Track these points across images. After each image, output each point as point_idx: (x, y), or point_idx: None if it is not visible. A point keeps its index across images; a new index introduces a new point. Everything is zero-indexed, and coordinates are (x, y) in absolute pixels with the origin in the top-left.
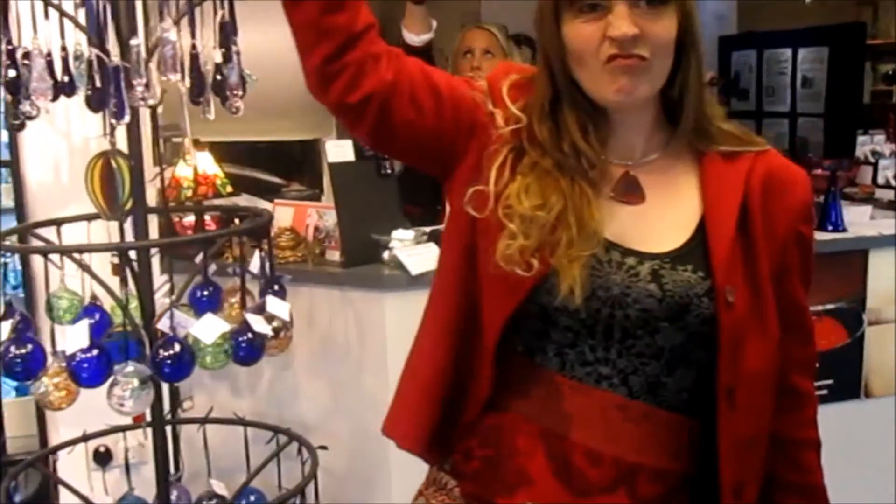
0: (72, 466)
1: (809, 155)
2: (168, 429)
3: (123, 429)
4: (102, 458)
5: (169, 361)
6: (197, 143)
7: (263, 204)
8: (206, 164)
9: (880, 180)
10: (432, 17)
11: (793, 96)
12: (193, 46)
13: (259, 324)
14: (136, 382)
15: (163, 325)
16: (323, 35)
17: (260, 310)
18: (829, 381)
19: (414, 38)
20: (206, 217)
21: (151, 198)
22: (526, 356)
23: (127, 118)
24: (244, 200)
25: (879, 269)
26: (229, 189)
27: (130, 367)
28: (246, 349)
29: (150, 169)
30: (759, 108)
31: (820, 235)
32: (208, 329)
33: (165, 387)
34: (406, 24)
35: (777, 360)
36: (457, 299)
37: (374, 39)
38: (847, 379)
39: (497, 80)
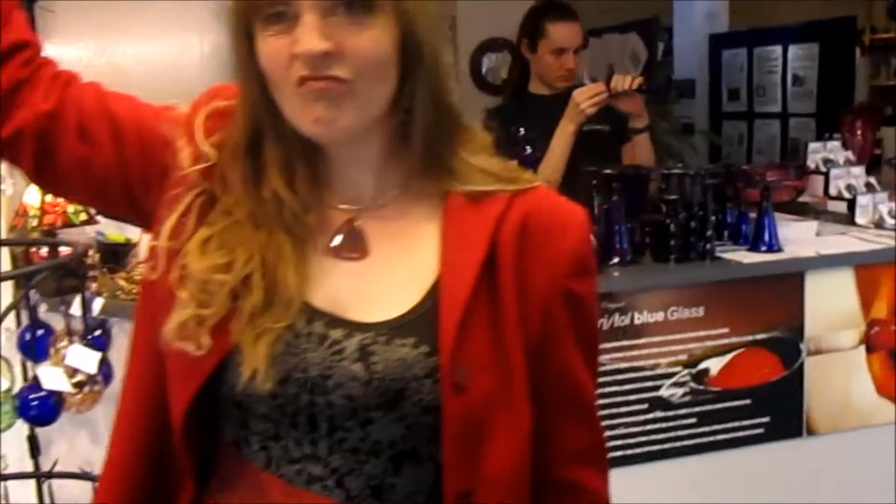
0: None
1: (745, 168)
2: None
3: None
4: None
5: None
6: None
7: (132, 231)
8: None
9: (832, 191)
10: None
11: (783, 96)
12: None
13: (52, 379)
14: None
15: None
16: None
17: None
18: (766, 419)
19: None
20: (64, 248)
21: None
22: (233, 448)
23: None
24: (114, 228)
25: (818, 293)
26: (83, 217)
27: None
28: (38, 408)
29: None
30: (750, 109)
31: (752, 257)
32: None
33: (22, 437)
34: None
35: (529, 455)
36: (145, 380)
37: (28, 61)
38: (786, 415)
39: (198, 107)
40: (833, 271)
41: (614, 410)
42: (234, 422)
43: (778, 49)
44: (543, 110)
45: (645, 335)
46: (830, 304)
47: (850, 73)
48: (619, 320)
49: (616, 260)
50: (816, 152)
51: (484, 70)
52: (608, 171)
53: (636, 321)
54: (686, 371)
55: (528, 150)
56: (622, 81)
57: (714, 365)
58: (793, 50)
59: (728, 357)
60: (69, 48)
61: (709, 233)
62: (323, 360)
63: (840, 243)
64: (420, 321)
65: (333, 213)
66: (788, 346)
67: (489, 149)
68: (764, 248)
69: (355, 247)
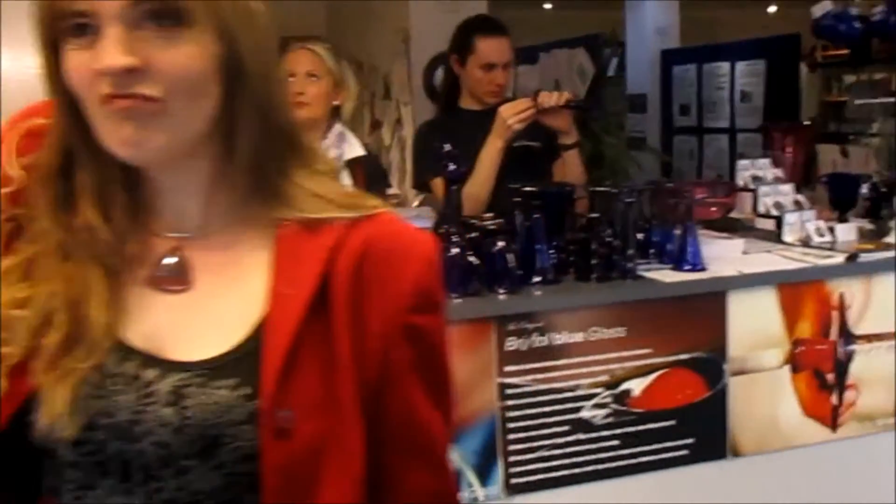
0: None
1: (669, 185)
2: None
3: None
4: None
5: None
6: None
7: None
8: None
9: (760, 209)
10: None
11: (731, 112)
12: None
13: None
14: None
15: None
16: None
17: None
18: (690, 440)
19: None
20: None
21: None
22: (51, 496)
23: None
24: None
25: (741, 312)
26: None
27: None
28: None
29: None
30: (700, 124)
31: (675, 276)
32: None
33: None
34: None
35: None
36: None
37: None
38: (710, 436)
39: (12, 125)
40: (755, 290)
41: (534, 433)
42: (48, 469)
43: (726, 65)
44: (474, 126)
45: (565, 356)
46: (753, 324)
47: (796, 89)
48: (537, 341)
49: (537, 279)
50: (745, 169)
51: (437, 84)
52: (529, 188)
53: (555, 341)
54: (608, 392)
55: (452, 166)
56: (549, 97)
57: (636, 386)
58: (740, 66)
59: (650, 378)
60: None
61: (630, 251)
62: (133, 404)
63: (764, 261)
64: (242, 361)
65: (157, 242)
66: (711, 366)
67: (332, 172)
68: (687, 267)
69: (179, 278)
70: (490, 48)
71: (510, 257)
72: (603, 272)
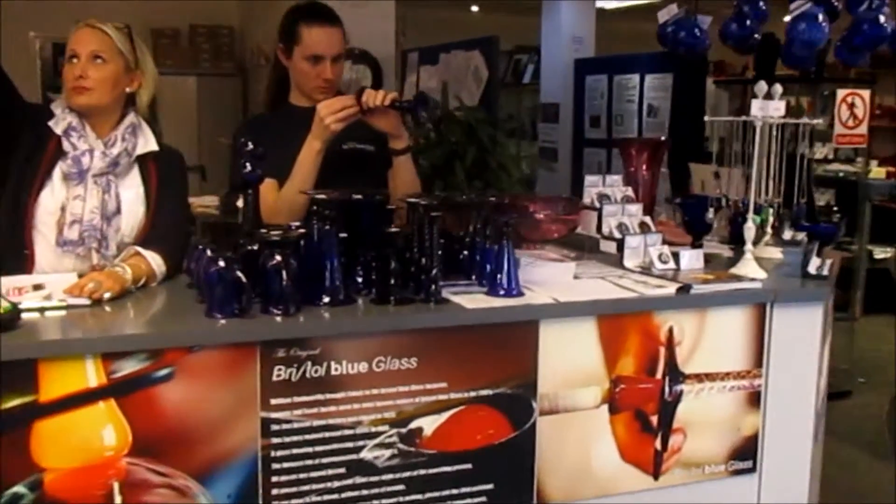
0: None
1: (492, 198)
2: None
3: None
4: None
5: None
6: None
7: None
8: None
9: (604, 229)
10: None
11: (639, 125)
12: None
13: None
14: None
15: None
16: None
17: None
18: (489, 486)
19: None
20: None
21: None
22: None
23: None
24: None
25: (554, 344)
26: None
27: None
28: None
29: None
30: (609, 136)
31: (483, 302)
32: None
33: None
34: None
35: None
36: None
37: None
38: (514, 482)
39: None
40: (572, 321)
41: (304, 475)
42: None
43: (636, 78)
44: (303, 124)
45: (344, 388)
46: (568, 358)
47: (701, 105)
48: (311, 370)
49: (326, 300)
50: (594, 186)
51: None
52: (320, 196)
53: (333, 371)
54: (394, 430)
55: (248, 167)
56: (373, 96)
57: (428, 424)
58: (649, 79)
59: (445, 415)
60: None
61: (434, 272)
62: None
63: (590, 289)
64: None
65: None
66: (518, 403)
67: None
68: (501, 292)
69: None
70: (317, 38)
71: (284, 274)
72: (404, 294)
